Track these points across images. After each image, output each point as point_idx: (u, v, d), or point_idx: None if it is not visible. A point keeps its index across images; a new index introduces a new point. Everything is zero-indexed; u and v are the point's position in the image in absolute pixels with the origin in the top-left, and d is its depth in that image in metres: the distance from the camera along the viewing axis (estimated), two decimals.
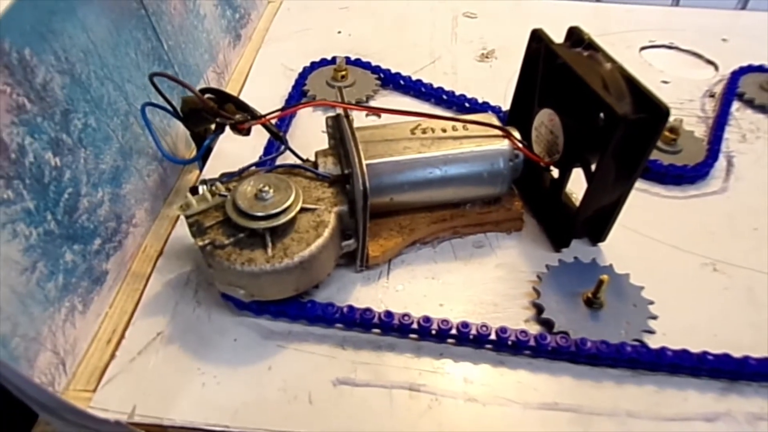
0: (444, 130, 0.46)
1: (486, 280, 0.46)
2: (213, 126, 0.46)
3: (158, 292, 0.45)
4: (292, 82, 0.65)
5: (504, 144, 0.46)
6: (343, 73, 0.65)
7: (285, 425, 0.37)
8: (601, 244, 0.49)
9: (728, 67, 0.71)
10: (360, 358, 0.41)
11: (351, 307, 0.42)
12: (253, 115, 0.45)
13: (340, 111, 0.45)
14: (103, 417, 0.36)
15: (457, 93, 0.64)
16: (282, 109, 0.46)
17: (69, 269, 0.41)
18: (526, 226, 0.51)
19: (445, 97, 0.64)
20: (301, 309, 0.42)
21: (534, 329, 0.42)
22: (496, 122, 0.47)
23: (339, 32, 0.78)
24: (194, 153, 0.58)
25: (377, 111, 0.45)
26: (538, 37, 0.47)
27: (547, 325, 0.42)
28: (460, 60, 0.73)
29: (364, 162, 0.42)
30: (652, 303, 0.43)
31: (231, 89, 0.68)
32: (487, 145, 0.45)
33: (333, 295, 0.45)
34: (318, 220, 0.41)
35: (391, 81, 0.67)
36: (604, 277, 0.41)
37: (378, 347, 0.41)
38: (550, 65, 0.46)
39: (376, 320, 0.41)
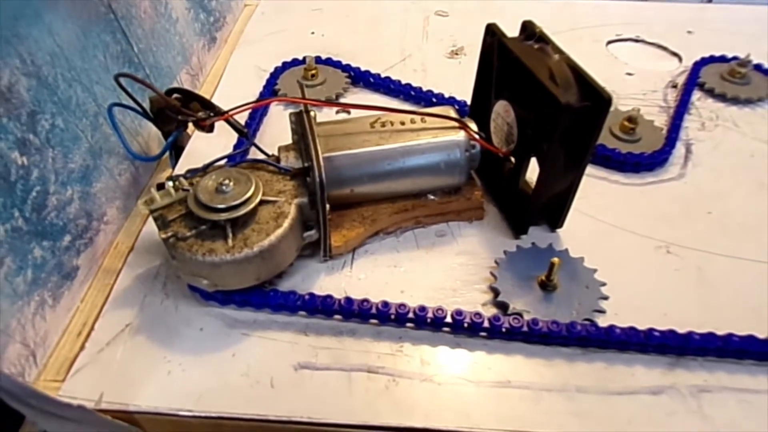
0: (402, 123, 0.48)
1: (446, 267, 0.48)
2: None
3: (128, 286, 0.46)
4: (264, 83, 0.67)
5: (460, 135, 0.47)
6: (313, 72, 0.66)
7: (247, 408, 0.38)
8: (559, 231, 0.51)
9: (691, 59, 0.73)
10: (321, 344, 0.42)
11: (312, 295, 0.43)
12: (215, 113, 0.46)
13: (302, 107, 0.47)
14: (66, 401, 0.37)
15: (425, 89, 0.66)
16: (243, 105, 0.48)
17: (38, 264, 0.42)
18: (488, 214, 0.53)
19: (413, 93, 0.66)
20: (264, 297, 0.43)
21: (490, 312, 0.44)
22: (453, 114, 0.49)
23: (312, 33, 0.80)
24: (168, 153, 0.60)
25: (340, 106, 0.46)
26: (491, 32, 0.49)
27: (503, 307, 0.44)
28: (430, 57, 0.75)
29: (322, 155, 0.43)
30: (604, 284, 0.45)
31: (205, 91, 0.70)
32: (443, 136, 0.47)
33: (297, 284, 0.46)
34: (278, 211, 0.43)
35: (361, 79, 0.68)
36: (555, 259, 0.43)
37: (339, 333, 0.43)
38: (504, 58, 0.48)
39: (336, 306, 0.43)
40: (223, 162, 0.48)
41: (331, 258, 0.48)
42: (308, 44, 0.76)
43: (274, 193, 0.44)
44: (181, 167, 0.57)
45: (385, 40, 0.78)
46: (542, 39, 0.47)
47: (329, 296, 0.43)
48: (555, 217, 0.50)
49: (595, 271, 0.46)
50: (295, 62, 0.70)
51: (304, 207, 0.44)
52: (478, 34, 0.50)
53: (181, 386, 0.39)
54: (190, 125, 0.48)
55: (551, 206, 0.50)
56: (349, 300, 0.43)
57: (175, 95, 0.50)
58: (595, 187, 0.55)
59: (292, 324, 0.43)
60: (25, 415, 0.39)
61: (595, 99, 0.41)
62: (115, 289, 0.46)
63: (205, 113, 0.46)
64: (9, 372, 0.38)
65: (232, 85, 0.69)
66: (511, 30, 0.49)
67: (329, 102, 0.47)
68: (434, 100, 0.64)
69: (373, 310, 0.42)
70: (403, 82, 0.67)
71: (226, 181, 0.41)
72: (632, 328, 0.41)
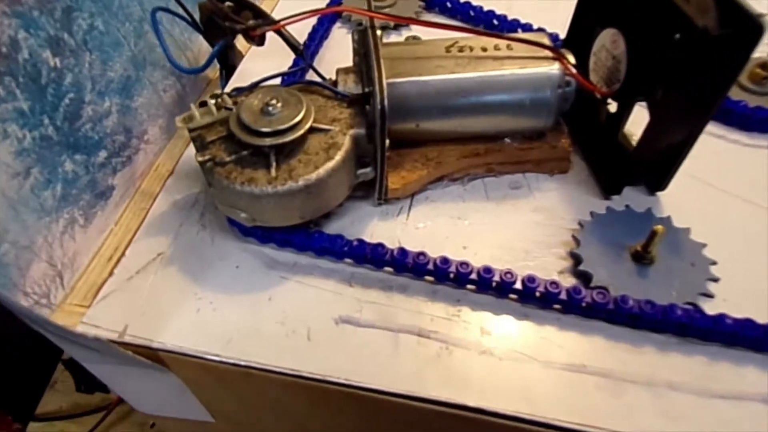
0: (484, 49, 0.40)
1: (519, 225, 0.41)
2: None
3: (164, 212, 0.42)
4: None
5: (553, 67, 0.39)
6: None
7: (279, 360, 0.34)
8: (660, 194, 0.42)
9: None
10: (367, 297, 0.37)
11: (361, 241, 0.38)
12: (267, 22, 0.40)
13: (366, 23, 0.40)
14: (82, 332, 0.34)
15: (510, 18, 0.56)
16: (297, 15, 0.41)
17: (69, 180, 0.38)
18: (574, 168, 0.45)
19: (495, 21, 0.57)
20: (307, 239, 0.38)
21: (568, 282, 0.37)
22: (547, 42, 0.40)
23: None
24: (218, 73, 0.54)
25: (413, 22, 0.39)
26: None
27: (584, 278, 0.37)
28: None
29: (387, 80, 0.37)
30: (714, 263, 0.37)
31: (266, 5, 0.64)
32: (532, 67, 0.39)
33: (346, 227, 0.41)
34: (331, 142, 0.37)
35: (437, 2, 0.60)
36: (659, 227, 0.35)
37: (389, 287, 0.38)
38: None
39: (388, 257, 0.37)
40: (274, 81, 0.42)
41: (386, 202, 0.42)
42: None
43: (327, 121, 0.38)
44: (231, 87, 0.52)
45: None
46: None
47: (381, 245, 0.37)
48: (657, 177, 0.42)
49: (703, 246, 0.38)
50: None
51: (360, 139, 0.38)
52: None
53: (210, 326, 0.36)
54: (240, 38, 0.42)
55: (654, 163, 0.41)
56: (403, 251, 0.37)
57: (227, 2, 0.44)
58: (710, 146, 0.46)
59: (337, 272, 0.38)
60: (50, 340, 0.36)
61: (739, 25, 0.32)
62: (150, 215, 0.42)
63: (255, 22, 0.39)
64: (32, 291, 0.36)
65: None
66: None
67: (399, 17, 0.40)
68: (520, 30, 0.55)
69: (430, 266, 0.36)
70: (486, 8, 0.58)
71: (274, 102, 0.36)
72: (749, 320, 0.33)
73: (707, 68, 0.33)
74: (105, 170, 0.42)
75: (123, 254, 0.40)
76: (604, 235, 0.39)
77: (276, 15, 0.59)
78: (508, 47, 0.40)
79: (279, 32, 0.42)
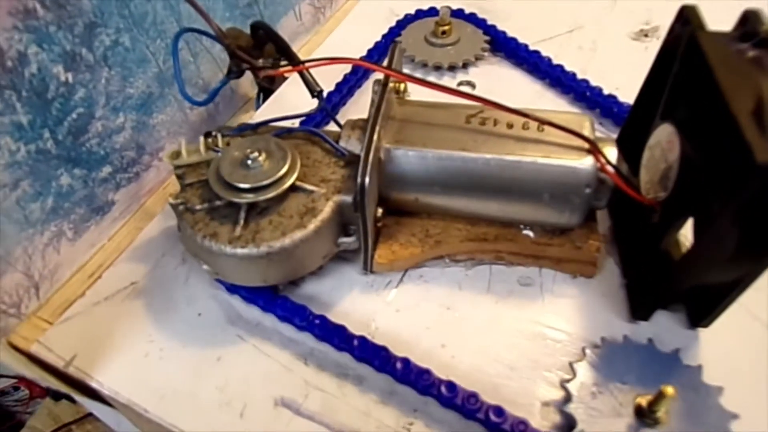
0: (510, 126, 0.35)
1: (515, 332, 0.35)
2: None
3: (152, 238, 0.41)
4: (386, 31, 0.56)
5: (585, 162, 0.33)
6: (445, 28, 0.54)
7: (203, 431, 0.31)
8: (701, 330, 0.34)
9: None
10: (318, 381, 0.33)
11: (324, 320, 0.34)
12: (279, 63, 0.37)
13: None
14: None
15: (581, 76, 0.50)
16: (311, 61, 0.38)
17: (62, 193, 0.39)
18: (604, 273, 0.38)
19: (562, 79, 0.50)
20: (271, 302, 0.35)
21: (548, 421, 0.31)
22: (587, 129, 0.34)
23: None
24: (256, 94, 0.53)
25: (431, 86, 0.34)
26: (685, 18, 0.32)
27: (567, 421, 0.30)
28: (607, 34, 0.57)
29: (385, 144, 0.33)
30: None
31: (327, 28, 0.61)
32: (559, 157, 0.33)
33: (324, 292, 0.37)
34: (310, 205, 0.33)
35: (504, 46, 0.54)
36: (669, 389, 0.28)
37: (344, 375, 0.34)
38: (690, 62, 0.31)
39: (348, 344, 0.33)
40: (283, 123, 0.40)
41: (372, 272, 0.38)
42: None
43: (316, 180, 0.35)
44: (266, 112, 0.50)
45: (556, 0, 0.61)
46: (765, 44, 0.29)
47: (343, 328, 0.34)
48: (700, 309, 0.34)
49: (734, 417, 0.30)
50: (433, 12, 0.58)
51: (345, 207, 0.34)
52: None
53: (151, 376, 0.34)
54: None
55: (698, 291, 0.33)
56: (363, 342, 0.33)
57: (261, 31, 0.42)
58: None
59: (296, 343, 0.35)
60: None
61: None
62: (139, 238, 0.41)
63: (266, 62, 0.37)
64: (1, 300, 0.36)
65: (353, 28, 0.60)
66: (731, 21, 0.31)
67: (415, 79, 0.35)
68: (587, 94, 0.48)
69: (389, 366, 0.32)
70: (556, 60, 0.52)
71: (255, 155, 0.33)
72: None
73: (764, 208, 0.26)
74: (107, 185, 0.42)
75: (100, 276, 0.39)
76: (611, 371, 0.32)
77: (326, 47, 0.58)
78: (539, 128, 0.34)
79: (301, 72, 0.39)
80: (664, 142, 0.33)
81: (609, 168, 0.33)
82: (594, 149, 0.33)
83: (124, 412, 0.35)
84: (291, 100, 0.51)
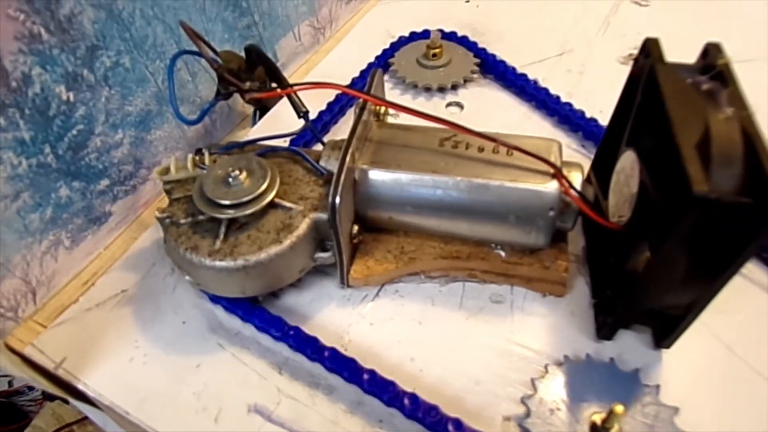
0: (481, 150, 0.36)
1: (482, 348, 0.36)
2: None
3: (144, 248, 0.43)
4: (380, 52, 0.58)
5: (549, 186, 0.34)
6: (436, 50, 0.56)
7: None
8: (664, 351, 0.35)
9: None
10: (291, 390, 0.35)
11: (298, 332, 0.36)
12: (280, 85, 0.39)
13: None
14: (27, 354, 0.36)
15: (564, 99, 0.51)
16: (301, 84, 0.40)
17: (61, 204, 0.41)
18: (573, 293, 0.39)
19: (546, 102, 0.51)
20: (249, 313, 0.37)
21: None
22: (553, 153, 0.35)
23: (467, 1, 0.67)
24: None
25: (400, 109, 0.36)
26: (647, 51, 0.34)
27: None
28: (596, 57, 0.58)
29: (361, 166, 0.34)
30: None
31: (326, 48, 0.64)
32: (524, 182, 0.34)
33: (303, 304, 0.39)
34: (287, 222, 0.35)
35: (493, 69, 0.56)
36: (618, 408, 0.29)
37: (316, 384, 0.35)
38: (649, 94, 0.32)
39: (319, 356, 0.35)
40: (272, 142, 0.42)
41: (349, 287, 0.39)
42: (456, 14, 0.65)
43: (294, 198, 0.37)
44: (261, 130, 0.53)
45: (549, 23, 0.63)
46: (721, 76, 0.31)
47: (315, 340, 0.35)
48: (663, 330, 0.35)
49: None
50: (426, 34, 0.60)
51: (321, 224, 0.36)
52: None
53: (134, 380, 0.36)
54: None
55: (661, 312, 0.34)
56: (334, 354, 0.34)
57: (254, 54, 0.44)
58: (757, 302, 0.38)
59: (273, 352, 0.37)
60: None
61: (762, 195, 0.25)
62: (132, 247, 0.44)
63: (252, 85, 0.39)
64: (0, 305, 0.38)
65: (351, 48, 0.62)
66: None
67: (390, 103, 0.37)
68: (570, 117, 0.50)
69: (358, 378, 0.33)
70: (544, 83, 0.53)
71: (236, 172, 0.35)
72: None
73: (713, 233, 0.27)
74: (104, 197, 0.44)
75: (93, 283, 0.41)
76: (571, 389, 0.33)
77: (324, 67, 0.60)
78: (508, 153, 0.36)
79: (288, 96, 0.41)
80: (627, 168, 0.34)
81: (573, 192, 0.34)
82: (558, 174, 0.34)
83: (109, 413, 0.37)
84: (285, 118, 0.53)
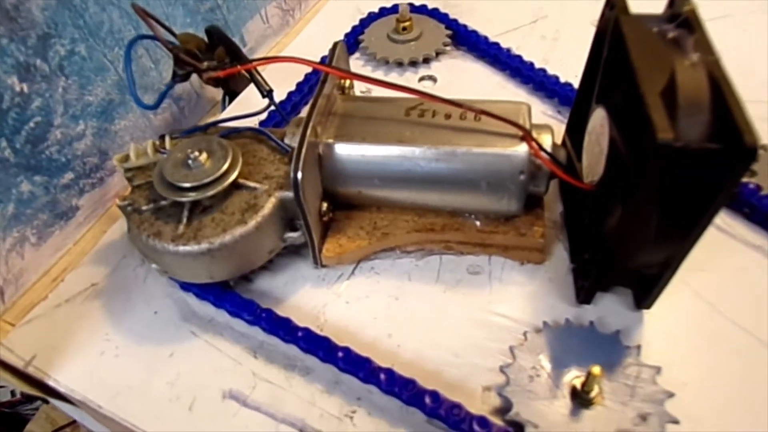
0: (448, 116, 0.35)
1: (461, 320, 0.36)
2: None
3: (114, 241, 0.42)
4: (349, 30, 0.57)
5: (518, 149, 0.33)
6: (406, 24, 0.54)
7: (152, 425, 0.32)
8: (645, 312, 0.35)
9: None
10: (266, 374, 0.34)
11: (270, 313, 0.35)
12: (239, 61, 0.38)
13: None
14: None
15: (539, 66, 0.50)
16: (257, 60, 0.39)
17: (24, 200, 0.40)
18: (552, 260, 0.38)
19: (521, 69, 0.50)
20: (220, 298, 0.36)
21: (488, 405, 0.32)
22: (523, 116, 0.34)
23: None
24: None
25: (365, 80, 0.35)
26: (611, 3, 0.32)
27: (505, 405, 0.31)
28: (570, 22, 0.57)
29: (325, 140, 0.33)
30: (674, 422, 0.29)
31: (296, 30, 0.62)
32: (492, 146, 0.33)
33: (277, 287, 0.38)
34: (252, 202, 0.34)
35: (465, 39, 0.54)
36: (595, 369, 0.28)
37: (292, 366, 0.35)
38: (615, 47, 0.31)
39: (293, 336, 0.34)
40: (238, 123, 0.41)
41: (323, 266, 0.38)
42: None
43: (259, 177, 0.35)
44: (230, 114, 0.51)
45: None
46: (687, 24, 0.29)
47: (288, 321, 0.34)
48: (642, 291, 0.34)
49: (671, 396, 0.30)
50: (396, 9, 0.58)
51: (287, 202, 0.35)
52: None
53: (106, 374, 0.35)
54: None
55: (640, 273, 0.34)
56: (308, 333, 0.34)
57: (216, 35, 0.43)
58: (738, 258, 0.37)
59: (247, 337, 0.36)
60: None
61: (731, 141, 0.24)
62: (101, 241, 0.42)
63: (210, 63, 0.38)
64: None
65: (321, 28, 0.60)
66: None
67: (351, 74, 0.36)
68: (544, 83, 0.48)
69: (333, 356, 0.33)
70: (518, 51, 0.52)
71: (195, 154, 0.34)
72: None
73: (683, 184, 0.26)
74: (70, 191, 0.43)
75: (62, 279, 0.40)
76: (550, 355, 0.32)
77: (294, 48, 0.59)
78: (476, 118, 0.35)
79: (249, 72, 0.40)
80: (598, 126, 0.33)
81: (543, 154, 0.33)
82: (527, 136, 0.33)
83: (83, 408, 0.36)
84: (255, 102, 0.51)
